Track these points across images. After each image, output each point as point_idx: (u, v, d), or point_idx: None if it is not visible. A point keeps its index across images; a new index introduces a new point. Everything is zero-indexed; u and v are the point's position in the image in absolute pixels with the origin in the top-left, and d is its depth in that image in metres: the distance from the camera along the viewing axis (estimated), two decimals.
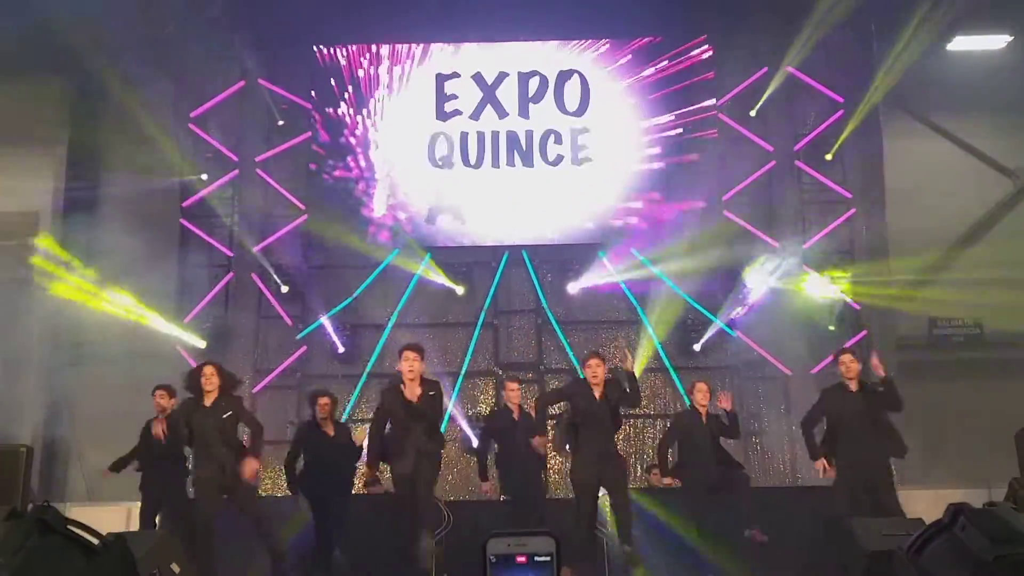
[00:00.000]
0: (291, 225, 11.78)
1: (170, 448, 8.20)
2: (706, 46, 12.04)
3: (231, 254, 11.73)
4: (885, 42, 11.30)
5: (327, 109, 11.95)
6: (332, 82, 12.02)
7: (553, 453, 9.24)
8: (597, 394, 7.54)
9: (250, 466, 7.18)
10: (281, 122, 11.90)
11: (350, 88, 12.01)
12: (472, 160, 11.81)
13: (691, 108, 11.90)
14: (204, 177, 11.66)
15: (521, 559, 1.57)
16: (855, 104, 11.62)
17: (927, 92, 11.76)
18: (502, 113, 11.94)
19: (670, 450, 8.48)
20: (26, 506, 6.60)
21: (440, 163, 11.81)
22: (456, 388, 11.21)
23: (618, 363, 8.27)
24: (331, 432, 8.48)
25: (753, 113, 11.86)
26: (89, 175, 11.76)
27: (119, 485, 10.00)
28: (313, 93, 12.00)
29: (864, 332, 11.24)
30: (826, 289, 11.18)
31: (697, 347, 11.30)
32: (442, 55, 12.16)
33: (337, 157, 11.87)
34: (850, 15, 10.77)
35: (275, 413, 11.02)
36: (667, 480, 8.30)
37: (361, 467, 8.12)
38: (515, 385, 8.82)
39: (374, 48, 12.13)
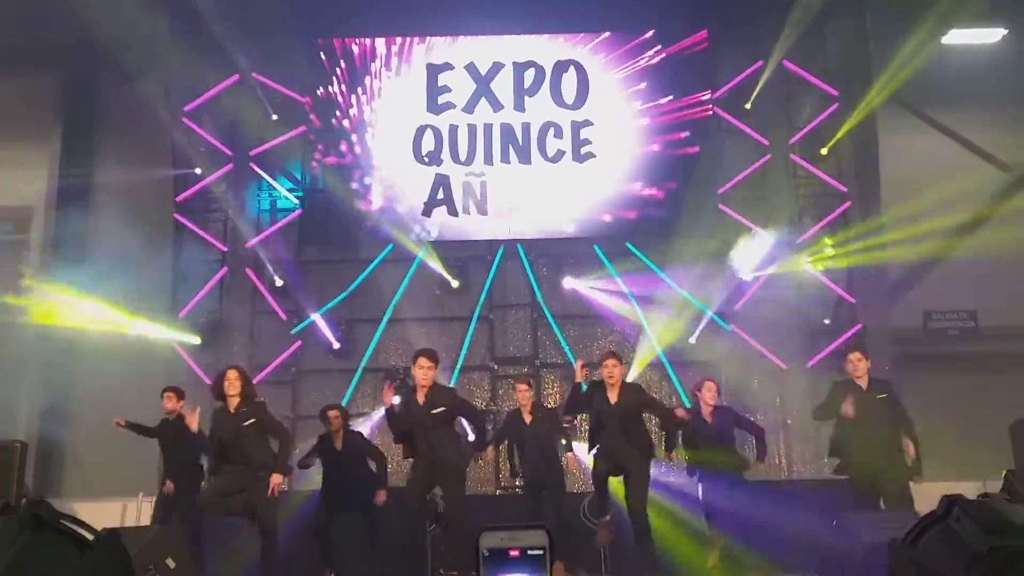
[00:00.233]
0: (286, 219, 11.76)
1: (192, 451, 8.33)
2: (702, 36, 11.97)
3: (225, 248, 11.70)
4: (880, 35, 11.30)
5: (320, 103, 11.89)
6: (325, 75, 11.96)
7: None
8: (612, 396, 7.53)
9: (273, 480, 7.03)
10: (275, 116, 11.86)
11: (343, 82, 11.96)
12: (466, 154, 11.77)
13: (687, 102, 11.87)
14: (198, 171, 11.64)
15: (514, 553, 1.56)
16: (851, 97, 11.63)
17: (922, 85, 11.76)
18: (497, 105, 11.91)
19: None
20: (20, 501, 6.58)
21: (434, 157, 11.77)
22: (452, 383, 11.18)
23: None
24: (338, 446, 8.49)
25: (748, 106, 11.84)
26: (82, 170, 11.72)
27: (115, 481, 10.03)
28: (308, 86, 11.94)
29: (859, 326, 11.24)
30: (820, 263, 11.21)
31: (692, 340, 11.28)
32: (435, 46, 12.11)
33: (331, 151, 11.82)
34: (845, 8, 10.76)
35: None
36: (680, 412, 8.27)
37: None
38: (525, 386, 8.75)
39: (368, 41, 12.08)
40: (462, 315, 11.61)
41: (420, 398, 7.25)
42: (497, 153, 11.76)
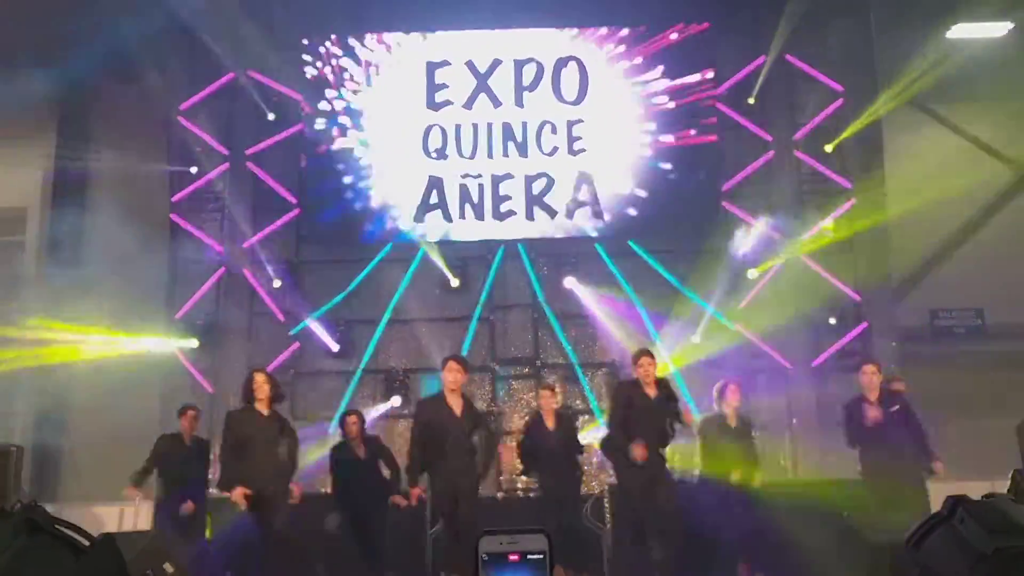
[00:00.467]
0: (283, 219, 11.69)
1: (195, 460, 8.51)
2: (703, 27, 11.89)
3: (222, 249, 11.62)
4: (885, 29, 11.21)
5: (317, 101, 11.81)
6: (322, 72, 11.89)
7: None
8: (651, 392, 7.42)
9: (296, 489, 7.28)
10: (272, 116, 11.79)
11: (341, 80, 11.88)
12: (466, 151, 11.67)
13: (690, 98, 11.78)
14: (194, 171, 11.59)
15: (514, 557, 1.53)
16: (855, 93, 11.54)
17: (927, 81, 11.65)
18: (496, 102, 11.81)
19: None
20: (15, 506, 6.52)
21: (433, 154, 11.68)
22: None
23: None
24: (361, 454, 8.46)
25: (752, 100, 11.75)
26: (77, 170, 11.67)
27: (112, 486, 9.94)
28: (304, 85, 11.86)
29: (865, 324, 11.15)
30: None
31: (696, 338, 11.17)
32: (433, 42, 12.02)
33: (328, 150, 11.73)
34: (849, 2, 10.69)
35: None
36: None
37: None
38: (549, 392, 8.59)
39: (366, 38, 11.99)
40: (462, 315, 11.53)
41: (454, 405, 7.25)
42: (498, 150, 11.66)
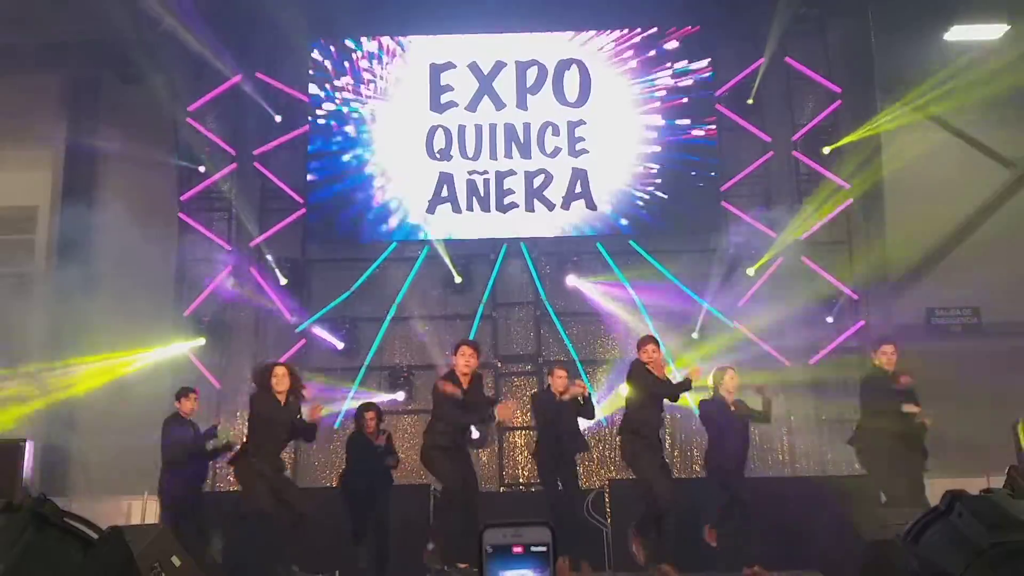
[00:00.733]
0: (290, 218, 11.78)
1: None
2: (696, 30, 12.00)
3: (229, 247, 11.72)
4: (882, 31, 11.28)
5: (323, 102, 11.91)
6: (328, 75, 11.98)
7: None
8: (660, 375, 7.59)
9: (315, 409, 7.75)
10: (278, 117, 11.87)
11: (347, 81, 11.97)
12: (470, 152, 11.78)
13: (689, 99, 11.87)
14: (202, 170, 11.66)
15: (518, 549, 1.56)
16: (853, 94, 11.62)
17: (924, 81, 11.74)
18: (499, 104, 11.91)
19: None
20: (24, 500, 6.61)
21: (437, 155, 11.78)
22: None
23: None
24: (378, 442, 8.58)
25: (750, 101, 11.82)
26: (87, 170, 11.75)
27: (120, 480, 10.03)
28: (311, 86, 11.97)
29: (862, 322, 11.24)
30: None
31: (695, 335, 11.28)
32: (437, 45, 12.11)
33: (334, 150, 11.83)
34: (847, 4, 10.73)
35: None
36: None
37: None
38: (564, 372, 8.45)
39: (371, 39, 12.07)
40: (465, 313, 11.63)
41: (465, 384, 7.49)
42: (501, 150, 11.76)
